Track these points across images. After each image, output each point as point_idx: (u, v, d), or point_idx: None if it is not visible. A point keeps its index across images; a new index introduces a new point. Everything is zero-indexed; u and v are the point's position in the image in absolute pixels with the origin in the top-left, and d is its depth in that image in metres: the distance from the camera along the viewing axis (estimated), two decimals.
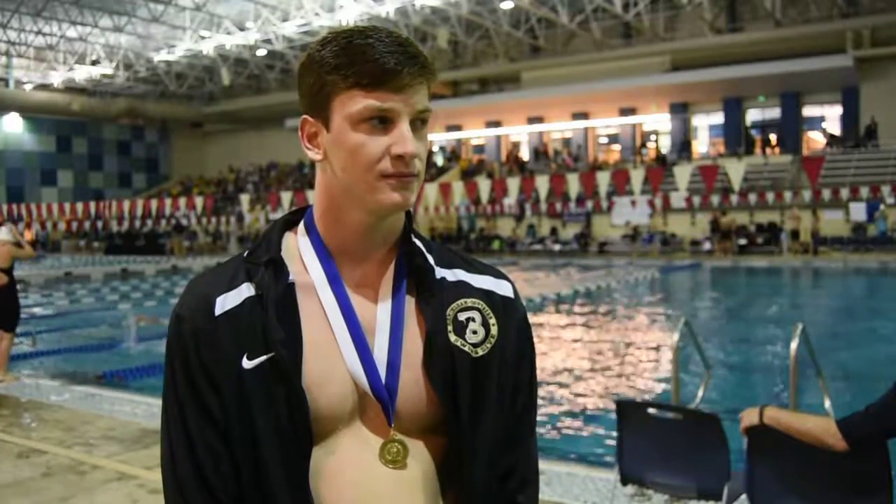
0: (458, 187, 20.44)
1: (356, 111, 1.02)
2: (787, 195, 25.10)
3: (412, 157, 1.02)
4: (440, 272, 1.13)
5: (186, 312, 1.06)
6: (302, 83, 1.08)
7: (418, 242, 1.13)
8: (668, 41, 31.93)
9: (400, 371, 1.06)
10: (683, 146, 32.82)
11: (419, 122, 1.05)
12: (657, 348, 9.70)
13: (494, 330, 1.11)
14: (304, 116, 1.09)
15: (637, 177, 17.50)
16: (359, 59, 1.01)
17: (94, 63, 38.22)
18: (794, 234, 25.30)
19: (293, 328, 1.04)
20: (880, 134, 28.42)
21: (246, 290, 1.06)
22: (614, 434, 3.40)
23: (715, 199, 25.02)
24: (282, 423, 1.01)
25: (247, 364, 1.02)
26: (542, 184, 19.23)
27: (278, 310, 1.04)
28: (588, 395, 7.37)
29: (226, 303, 1.06)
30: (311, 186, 1.11)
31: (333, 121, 1.04)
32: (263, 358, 1.02)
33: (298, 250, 1.11)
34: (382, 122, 1.02)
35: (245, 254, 1.12)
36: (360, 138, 1.02)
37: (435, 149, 39.20)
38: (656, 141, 35.04)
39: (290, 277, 1.07)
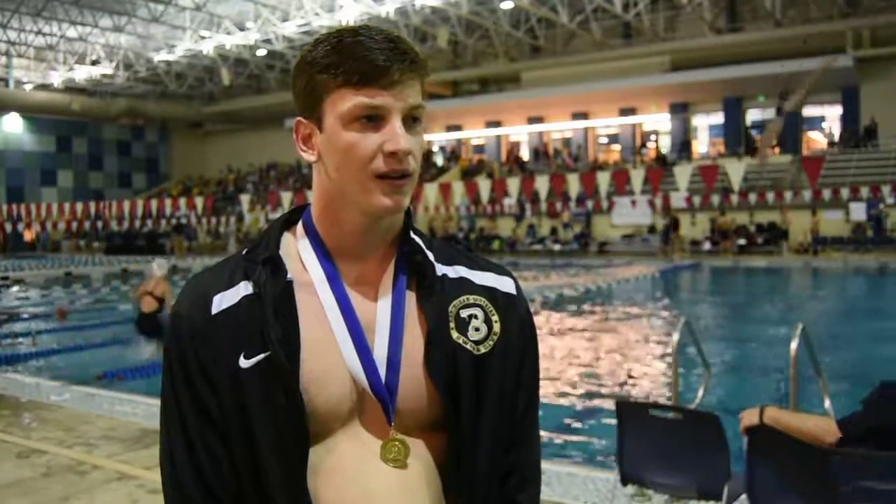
0: (458, 187, 20.44)
1: (347, 109, 1.01)
2: (788, 195, 25.11)
3: (405, 153, 1.02)
4: (441, 269, 1.12)
5: (184, 311, 1.06)
6: (295, 85, 1.08)
7: (418, 239, 1.13)
8: (668, 41, 31.91)
9: (400, 369, 1.06)
10: (683, 146, 32.81)
11: (412, 120, 1.04)
12: (657, 348, 9.70)
13: (497, 327, 1.11)
14: (298, 118, 1.09)
15: (637, 177, 17.52)
16: (348, 56, 1.00)
17: (94, 63, 38.20)
18: (785, 234, 25.35)
19: (291, 327, 1.03)
20: (880, 134, 28.40)
21: (243, 289, 1.06)
22: (614, 434, 3.39)
23: (715, 199, 25.01)
24: (279, 423, 1.01)
25: (244, 363, 1.02)
26: (542, 184, 19.23)
27: (276, 308, 1.03)
28: (588, 395, 7.37)
29: (223, 301, 1.05)
30: (311, 187, 1.10)
31: (326, 121, 1.04)
32: (260, 357, 1.02)
33: (297, 249, 1.11)
34: (374, 119, 1.01)
35: (244, 252, 1.12)
36: (352, 137, 1.02)
37: (435, 149, 39.21)
38: (656, 141, 35.03)
39: (289, 276, 1.06)
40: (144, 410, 6.06)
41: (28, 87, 40.43)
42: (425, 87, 1.08)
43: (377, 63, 1.00)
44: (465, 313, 1.10)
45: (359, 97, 1.01)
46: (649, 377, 8.15)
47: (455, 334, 1.07)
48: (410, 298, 1.10)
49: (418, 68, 1.03)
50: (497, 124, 37.61)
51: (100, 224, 32.12)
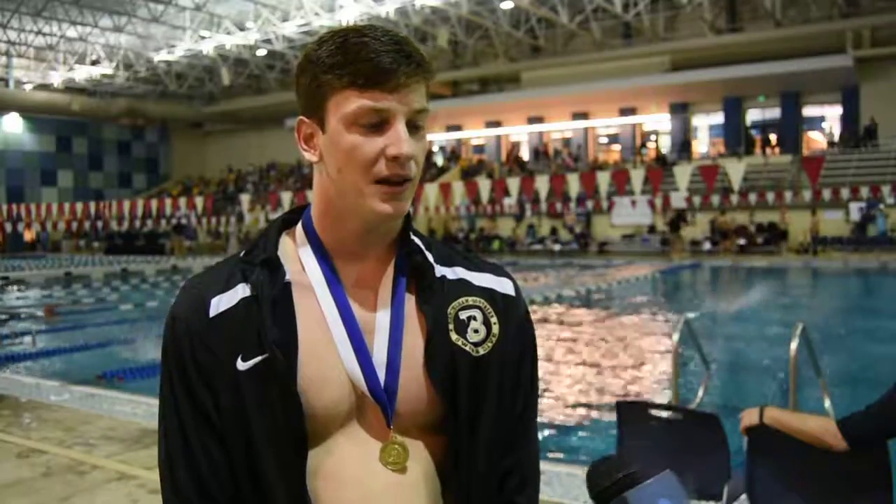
0: (458, 187, 20.43)
1: (350, 111, 1.00)
2: (788, 195, 25.11)
3: (407, 158, 1.01)
4: (440, 270, 1.12)
5: (181, 313, 1.06)
6: (298, 83, 1.06)
7: (417, 240, 1.12)
8: (668, 41, 31.90)
9: (399, 371, 1.05)
10: (683, 146, 32.79)
11: (416, 124, 1.03)
12: (657, 348, 9.69)
13: (496, 329, 1.10)
14: (301, 117, 1.07)
15: (637, 177, 17.49)
16: (353, 58, 0.99)
17: (94, 63, 38.19)
18: (784, 235, 25.33)
19: (288, 329, 1.02)
20: (880, 134, 28.40)
21: (241, 291, 1.05)
22: (614, 434, 3.39)
23: (715, 199, 25.01)
24: (277, 425, 1.00)
25: (241, 366, 1.01)
26: (542, 184, 19.22)
27: (273, 310, 1.03)
28: (588, 395, 7.37)
29: (220, 304, 1.05)
30: (311, 186, 1.09)
31: (329, 122, 1.03)
32: (258, 359, 1.01)
33: (296, 250, 1.10)
34: (378, 122, 1.00)
35: (241, 254, 1.11)
36: (355, 139, 1.00)
37: (435, 149, 39.18)
38: (656, 141, 35.01)
39: (287, 277, 1.06)
40: (144, 410, 6.06)
41: (28, 87, 40.41)
42: (429, 89, 1.07)
43: (383, 66, 0.98)
44: (464, 315, 1.09)
45: (363, 100, 0.99)
46: (649, 377, 8.15)
47: (454, 336, 1.07)
48: (410, 300, 1.09)
49: (424, 71, 1.02)
50: (497, 124, 37.60)
51: (100, 224, 32.12)
